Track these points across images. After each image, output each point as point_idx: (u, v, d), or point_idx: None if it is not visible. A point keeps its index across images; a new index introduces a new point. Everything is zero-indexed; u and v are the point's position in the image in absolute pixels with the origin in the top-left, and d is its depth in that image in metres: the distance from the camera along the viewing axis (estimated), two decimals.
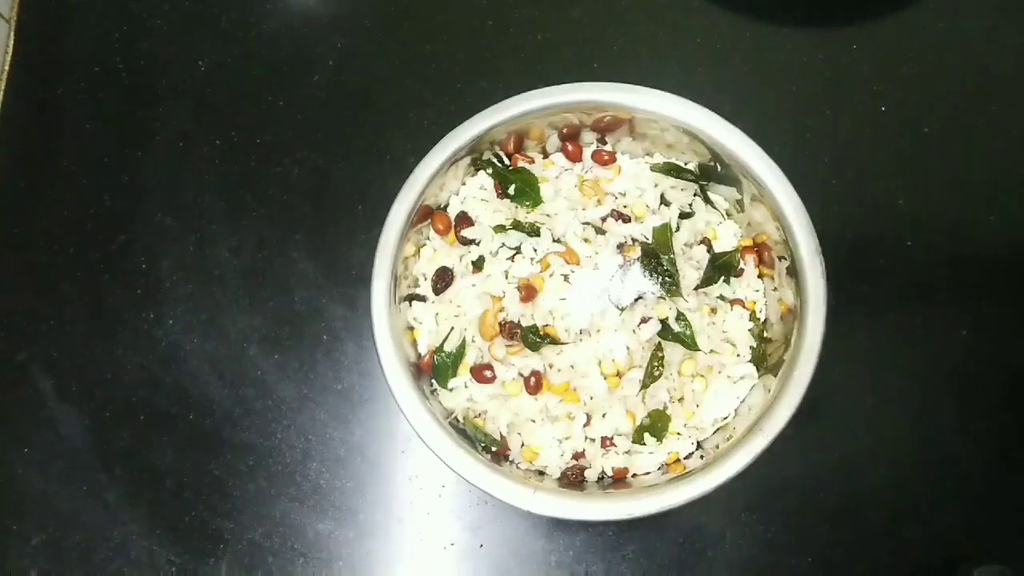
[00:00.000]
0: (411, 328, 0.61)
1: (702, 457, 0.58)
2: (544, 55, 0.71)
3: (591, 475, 0.58)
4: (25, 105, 0.71)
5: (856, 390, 0.64)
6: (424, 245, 0.62)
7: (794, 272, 0.57)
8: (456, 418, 0.58)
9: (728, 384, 0.59)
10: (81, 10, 0.74)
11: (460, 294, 0.59)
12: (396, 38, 0.72)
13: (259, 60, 0.72)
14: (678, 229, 0.61)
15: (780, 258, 0.60)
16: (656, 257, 0.58)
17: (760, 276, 0.62)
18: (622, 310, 0.56)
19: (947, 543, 0.61)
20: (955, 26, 0.72)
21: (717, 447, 0.57)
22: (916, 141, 0.69)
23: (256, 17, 0.73)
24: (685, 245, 0.61)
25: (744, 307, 0.61)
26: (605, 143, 0.64)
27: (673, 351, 0.58)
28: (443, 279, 0.60)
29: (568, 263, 0.57)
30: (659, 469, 0.58)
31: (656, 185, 0.62)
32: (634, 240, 0.59)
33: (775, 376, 0.57)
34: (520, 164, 0.63)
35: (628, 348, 0.56)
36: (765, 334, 0.61)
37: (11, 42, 0.73)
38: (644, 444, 0.57)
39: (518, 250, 0.59)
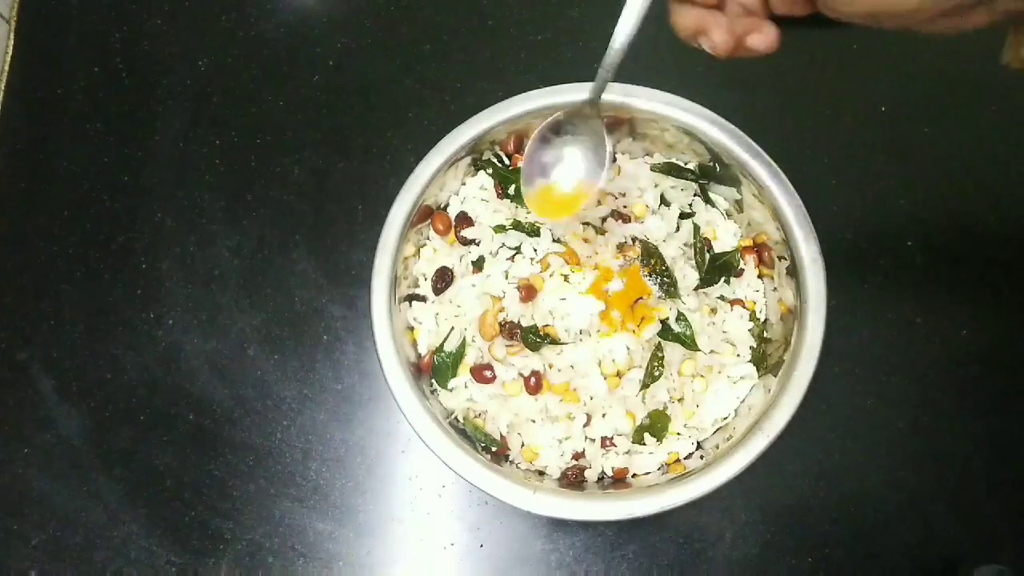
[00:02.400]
0: (411, 328, 0.61)
1: (702, 457, 0.58)
2: (544, 55, 0.71)
3: (591, 475, 0.58)
4: (25, 105, 0.71)
5: (856, 390, 0.64)
6: (424, 245, 0.62)
7: (794, 272, 0.57)
8: (456, 418, 0.58)
9: (728, 384, 0.59)
10: (81, 10, 0.74)
11: (460, 294, 0.59)
12: (396, 38, 0.72)
13: (259, 60, 0.72)
14: (678, 229, 0.61)
15: (780, 258, 0.60)
16: (658, 257, 0.58)
17: (760, 276, 0.62)
18: None
19: (947, 543, 0.61)
20: None
21: (717, 447, 0.57)
22: (916, 141, 0.69)
23: (256, 17, 0.73)
24: (685, 245, 0.61)
25: (744, 307, 0.61)
26: None
27: (673, 351, 0.57)
28: (443, 279, 0.60)
29: (568, 263, 0.57)
30: (659, 469, 0.58)
31: (656, 185, 0.62)
32: (634, 240, 0.59)
33: (775, 376, 0.57)
34: (520, 164, 0.63)
35: (628, 348, 0.56)
36: (765, 334, 0.61)
37: (11, 42, 0.73)
38: (644, 444, 0.57)
39: (518, 250, 0.59)
